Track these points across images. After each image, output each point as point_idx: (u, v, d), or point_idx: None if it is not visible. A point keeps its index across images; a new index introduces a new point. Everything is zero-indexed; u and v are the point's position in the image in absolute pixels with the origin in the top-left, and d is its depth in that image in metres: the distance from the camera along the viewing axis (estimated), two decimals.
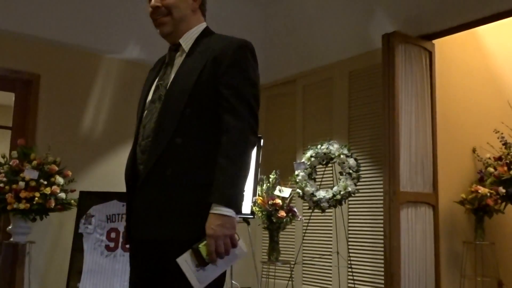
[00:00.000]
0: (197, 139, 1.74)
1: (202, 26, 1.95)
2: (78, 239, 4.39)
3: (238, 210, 1.68)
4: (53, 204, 3.88)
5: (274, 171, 4.34)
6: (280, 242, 4.27)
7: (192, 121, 1.74)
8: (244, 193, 1.70)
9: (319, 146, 4.41)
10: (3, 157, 4.05)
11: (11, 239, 3.96)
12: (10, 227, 3.94)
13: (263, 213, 4.17)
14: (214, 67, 1.76)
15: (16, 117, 4.72)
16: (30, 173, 3.85)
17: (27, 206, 3.79)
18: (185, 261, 1.61)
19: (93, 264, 4.36)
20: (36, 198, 3.81)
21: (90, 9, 4.85)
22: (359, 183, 4.30)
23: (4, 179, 3.85)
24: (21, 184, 3.81)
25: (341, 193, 4.20)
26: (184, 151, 1.72)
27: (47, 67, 4.71)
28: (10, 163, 3.92)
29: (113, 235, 4.45)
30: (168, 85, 1.81)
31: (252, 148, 1.74)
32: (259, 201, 4.21)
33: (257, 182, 4.47)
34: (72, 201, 4.08)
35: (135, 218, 1.80)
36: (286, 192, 4.20)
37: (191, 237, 1.66)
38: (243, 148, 1.69)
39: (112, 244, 4.42)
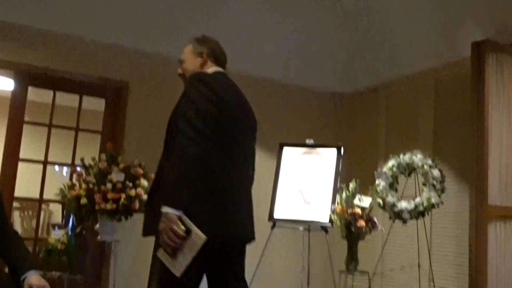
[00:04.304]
0: (168, 159, 2.15)
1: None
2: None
3: (173, 206, 2.00)
4: (137, 206, 4.02)
5: (354, 179, 4.28)
6: (359, 252, 4.19)
7: (169, 145, 2.18)
8: (182, 191, 2.01)
9: (401, 156, 4.29)
10: (93, 160, 4.26)
11: (98, 237, 4.16)
12: (97, 226, 4.14)
13: (342, 222, 4.11)
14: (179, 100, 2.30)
15: (106, 122, 4.97)
16: (117, 176, 4.03)
17: (114, 206, 3.95)
18: (162, 254, 2.03)
19: None
20: (122, 200, 3.97)
21: (173, 20, 5.01)
22: (443, 195, 4.15)
23: (93, 180, 4.04)
24: (109, 186, 3.99)
25: (424, 204, 4.07)
26: (166, 169, 2.14)
27: (134, 75, 4.92)
28: (99, 166, 4.12)
29: None
30: None
31: (190, 156, 2.03)
32: (338, 210, 4.16)
33: (336, 191, 4.42)
34: None
35: None
36: (366, 201, 4.12)
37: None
38: (180, 159, 2.04)
39: None
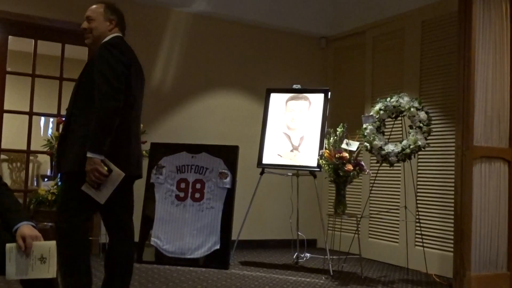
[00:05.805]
0: (84, 108, 2.57)
1: (112, 36, 2.75)
2: (150, 188, 4.57)
3: (98, 152, 2.43)
4: None
5: (341, 124, 4.29)
6: (346, 196, 4.25)
7: (82, 98, 2.61)
8: (105, 139, 2.44)
9: (388, 99, 4.30)
10: None
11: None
12: None
13: (330, 166, 4.15)
14: (92, 66, 2.61)
15: None
16: None
17: None
18: (86, 187, 2.49)
19: (164, 212, 4.52)
20: None
21: None
22: (429, 137, 4.19)
23: None
24: None
25: (411, 147, 4.11)
26: (76, 116, 2.60)
27: None
28: None
29: (182, 185, 4.58)
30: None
31: (110, 109, 2.44)
32: (326, 155, 4.19)
33: (323, 135, 4.44)
34: (144, 152, 4.21)
35: None
36: (353, 145, 4.15)
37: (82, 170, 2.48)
38: (99, 112, 2.44)
39: (182, 194, 4.56)
